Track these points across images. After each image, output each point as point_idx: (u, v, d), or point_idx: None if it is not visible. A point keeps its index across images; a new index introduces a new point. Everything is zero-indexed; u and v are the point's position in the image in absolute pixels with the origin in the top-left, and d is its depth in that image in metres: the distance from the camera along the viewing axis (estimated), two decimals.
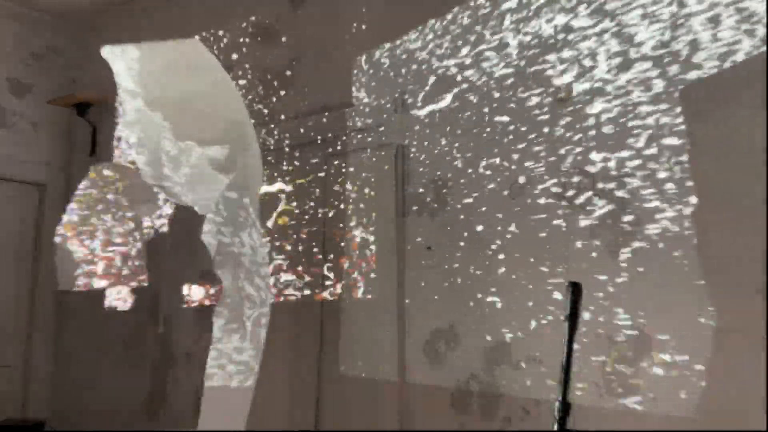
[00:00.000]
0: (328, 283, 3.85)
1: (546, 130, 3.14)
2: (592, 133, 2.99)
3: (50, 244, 4.46)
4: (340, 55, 3.97)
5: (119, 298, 4.96)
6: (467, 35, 3.46)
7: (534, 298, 3.08)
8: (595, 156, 2.98)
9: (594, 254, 2.93)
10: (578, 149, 3.03)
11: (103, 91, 5.02)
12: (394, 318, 3.52)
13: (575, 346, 1.89)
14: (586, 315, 2.84)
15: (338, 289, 3.80)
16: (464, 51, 3.46)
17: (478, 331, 3.23)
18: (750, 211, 2.56)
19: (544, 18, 3.20)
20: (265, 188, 4.04)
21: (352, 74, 3.92)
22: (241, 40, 4.48)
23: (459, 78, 3.46)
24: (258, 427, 3.26)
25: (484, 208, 3.30)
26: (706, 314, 2.62)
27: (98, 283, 4.36)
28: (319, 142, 4.01)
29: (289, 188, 4.12)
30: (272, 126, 4.25)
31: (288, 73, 4.25)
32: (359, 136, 3.85)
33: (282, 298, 3.98)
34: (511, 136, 3.25)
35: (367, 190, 3.77)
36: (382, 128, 3.74)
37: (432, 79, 3.57)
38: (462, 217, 3.36)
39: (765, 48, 2.59)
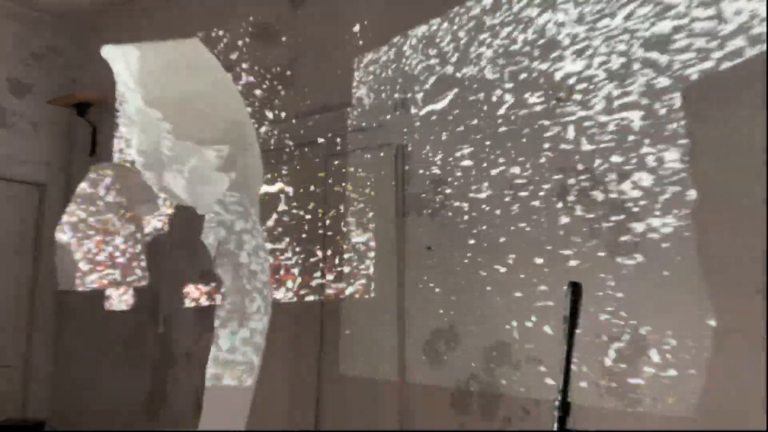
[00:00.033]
0: (328, 283, 3.85)
1: (546, 129, 3.14)
2: (593, 132, 2.99)
3: (50, 244, 4.46)
4: (340, 55, 3.97)
5: (119, 298, 4.97)
6: (467, 35, 3.46)
7: (534, 298, 3.08)
8: (595, 156, 2.98)
9: (594, 254, 2.93)
10: (578, 149, 3.03)
11: (103, 91, 5.03)
12: (394, 318, 3.52)
13: (575, 346, 1.88)
14: (585, 315, 2.83)
15: (338, 289, 3.80)
16: (464, 51, 3.46)
17: (478, 331, 3.23)
18: (750, 211, 2.56)
19: (544, 17, 3.20)
20: (265, 188, 4.04)
21: (352, 74, 3.92)
22: (241, 40, 4.49)
23: (459, 78, 3.46)
24: (258, 427, 3.26)
25: (484, 208, 3.30)
26: (706, 314, 2.62)
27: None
28: (319, 142, 4.01)
29: (289, 188, 4.12)
30: (272, 126, 4.25)
31: (288, 73, 4.25)
32: (359, 136, 3.85)
33: (282, 298, 3.98)
34: (511, 136, 3.25)
35: (367, 190, 3.78)
36: (382, 128, 3.74)
37: (432, 79, 3.57)
38: (462, 217, 3.37)
39: (765, 48, 2.59)
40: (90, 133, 5.40)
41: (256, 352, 3.06)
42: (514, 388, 3.09)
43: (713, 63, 2.72)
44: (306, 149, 4.08)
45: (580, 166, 3.01)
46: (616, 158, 2.92)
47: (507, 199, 3.22)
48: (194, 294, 4.50)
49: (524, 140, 3.20)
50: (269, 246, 3.98)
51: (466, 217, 3.35)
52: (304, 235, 4.01)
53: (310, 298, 3.92)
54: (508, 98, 3.28)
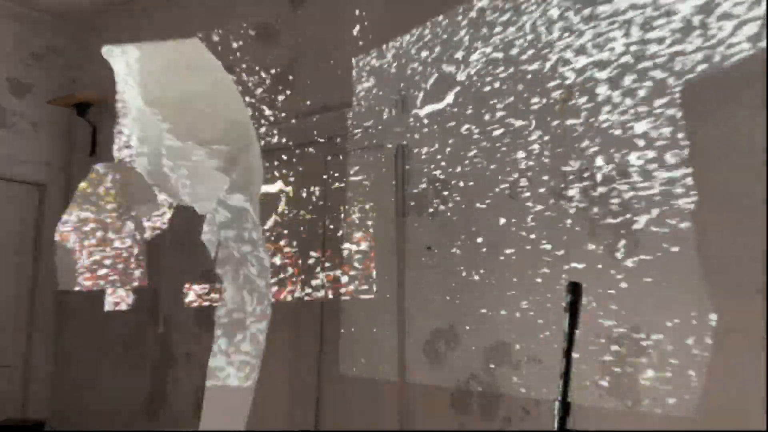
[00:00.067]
0: (328, 283, 3.85)
1: (546, 129, 3.14)
2: (593, 132, 2.99)
3: (50, 244, 4.46)
4: (340, 55, 3.97)
5: (119, 298, 4.97)
6: (467, 35, 3.46)
7: (534, 298, 3.08)
8: (595, 156, 2.98)
9: (594, 254, 2.93)
10: (578, 149, 3.03)
11: (103, 91, 5.02)
12: (394, 318, 3.52)
13: (575, 346, 1.88)
14: (585, 315, 2.83)
15: (338, 289, 3.80)
16: (464, 50, 3.46)
17: (478, 331, 3.23)
18: (750, 211, 2.56)
19: (545, 17, 3.20)
20: (265, 188, 4.03)
21: (352, 74, 3.92)
22: (241, 40, 4.49)
23: (459, 78, 3.46)
24: (258, 427, 3.26)
25: (484, 208, 3.30)
26: (706, 314, 2.62)
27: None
28: (319, 142, 4.01)
29: (289, 188, 4.13)
30: (272, 126, 4.25)
31: (288, 73, 4.25)
32: (359, 136, 3.85)
33: (282, 298, 3.98)
34: (511, 136, 3.25)
35: (367, 190, 3.77)
36: (382, 128, 3.74)
37: (432, 79, 3.57)
38: (462, 217, 3.37)
39: (765, 48, 2.59)
40: (90, 133, 5.40)
41: (256, 352, 3.06)
42: (514, 388, 3.09)
43: (713, 63, 2.72)
44: (306, 149, 4.08)
45: (580, 166, 3.01)
46: (616, 158, 2.91)
47: (507, 199, 3.22)
48: (194, 294, 4.50)
49: (524, 140, 3.20)
50: (269, 246, 3.98)
51: (466, 218, 3.35)
52: (304, 235, 4.01)
53: (310, 298, 3.92)
54: (508, 98, 3.28)
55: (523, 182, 3.18)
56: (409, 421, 3.42)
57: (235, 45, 4.50)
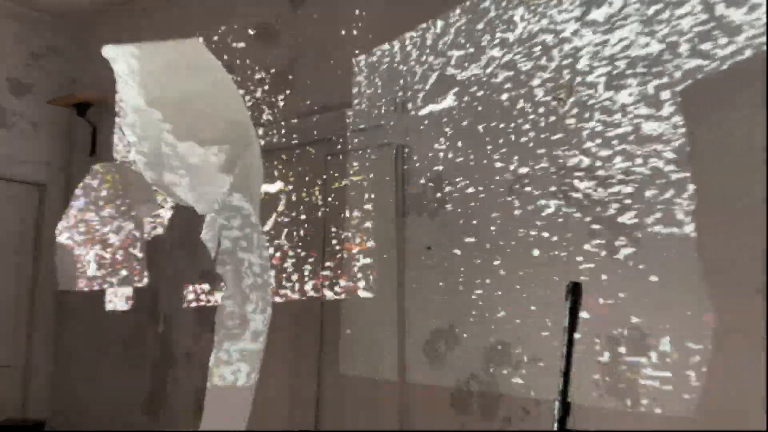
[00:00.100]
0: (327, 283, 3.85)
1: (546, 129, 3.14)
2: (592, 132, 2.99)
3: (50, 244, 4.46)
4: (340, 55, 3.98)
5: (119, 298, 4.97)
6: (467, 35, 3.46)
7: (534, 298, 3.08)
8: (595, 155, 2.98)
9: (594, 254, 2.93)
10: (578, 149, 3.03)
11: (103, 91, 5.03)
12: (394, 318, 3.52)
13: (575, 346, 1.88)
14: (585, 315, 2.83)
15: (338, 289, 3.80)
16: (464, 51, 3.46)
17: (478, 331, 3.23)
18: (750, 211, 2.56)
19: (545, 17, 3.20)
20: (265, 188, 4.04)
21: (352, 74, 3.92)
22: (241, 40, 4.49)
23: (459, 78, 3.46)
24: (258, 427, 3.26)
25: (484, 208, 3.30)
26: (705, 314, 2.62)
27: None
28: (319, 142, 4.01)
29: (289, 188, 4.13)
30: (272, 126, 4.25)
31: (288, 73, 4.25)
32: (359, 136, 3.85)
33: (282, 298, 3.98)
34: (511, 136, 3.25)
35: (367, 190, 3.78)
36: (382, 128, 3.74)
37: (432, 79, 3.57)
38: (462, 217, 3.37)
39: (765, 48, 2.59)
40: (90, 133, 5.40)
41: (256, 353, 3.06)
42: (514, 388, 3.09)
43: (713, 63, 2.72)
44: (306, 149, 4.08)
45: (580, 166, 3.01)
46: (616, 158, 2.91)
47: (507, 199, 3.22)
48: (194, 294, 4.50)
49: (524, 140, 3.20)
50: (269, 246, 3.98)
51: (466, 217, 3.35)
52: (303, 235, 4.01)
53: (310, 298, 3.92)
54: (508, 98, 3.28)
55: (523, 182, 3.18)
56: (409, 421, 3.42)
57: (235, 45, 4.50)
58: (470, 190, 3.35)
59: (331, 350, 3.79)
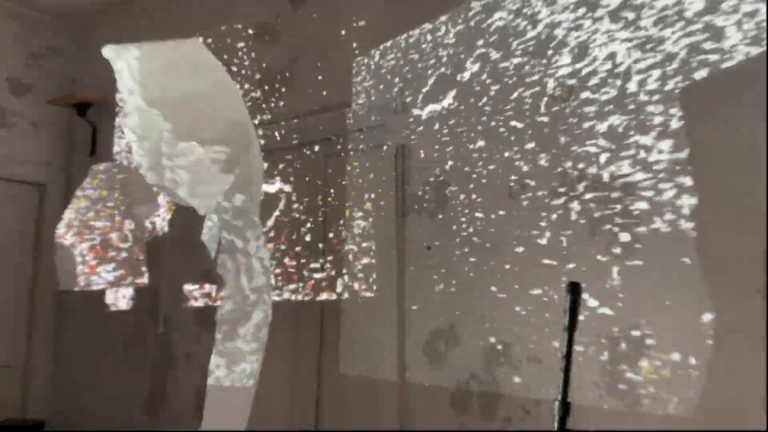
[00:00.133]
0: (327, 283, 3.85)
1: (546, 129, 3.14)
2: (593, 132, 2.99)
3: (50, 244, 4.46)
4: (340, 55, 3.98)
5: (119, 298, 4.97)
6: (467, 35, 3.46)
7: (534, 298, 3.08)
8: (595, 156, 2.98)
9: (594, 254, 2.93)
10: (578, 149, 3.03)
11: (103, 91, 5.04)
12: (394, 318, 3.52)
13: (575, 346, 1.88)
14: (585, 315, 2.84)
15: (338, 289, 3.80)
16: (464, 51, 3.46)
17: (478, 331, 3.23)
18: (750, 211, 2.56)
19: (544, 17, 3.20)
20: (265, 188, 4.03)
21: (352, 74, 3.92)
22: (241, 40, 4.49)
23: (459, 78, 3.46)
24: (258, 427, 3.26)
25: (484, 208, 3.30)
26: (705, 314, 2.62)
27: None
28: (319, 142, 4.01)
29: (288, 188, 4.13)
30: (272, 126, 4.25)
31: (288, 73, 4.25)
32: (359, 136, 3.85)
33: (282, 298, 3.98)
34: (511, 136, 3.25)
35: (367, 190, 3.77)
36: (382, 128, 3.74)
37: (432, 79, 3.57)
38: (462, 217, 3.37)
39: (765, 48, 2.59)
40: (90, 133, 5.40)
41: (256, 352, 3.06)
42: (514, 388, 3.09)
43: (713, 63, 2.72)
44: (306, 149, 4.08)
45: (580, 166, 3.01)
46: (616, 158, 2.91)
47: (507, 199, 3.22)
48: (194, 294, 4.50)
49: (524, 140, 3.20)
50: (269, 246, 3.98)
51: (466, 217, 3.35)
52: (304, 235, 4.01)
53: (310, 298, 3.92)
54: (508, 98, 3.28)
55: (523, 182, 3.18)
56: (409, 421, 3.42)
57: (235, 45, 4.50)
58: (470, 190, 3.35)
59: (331, 350, 3.79)
